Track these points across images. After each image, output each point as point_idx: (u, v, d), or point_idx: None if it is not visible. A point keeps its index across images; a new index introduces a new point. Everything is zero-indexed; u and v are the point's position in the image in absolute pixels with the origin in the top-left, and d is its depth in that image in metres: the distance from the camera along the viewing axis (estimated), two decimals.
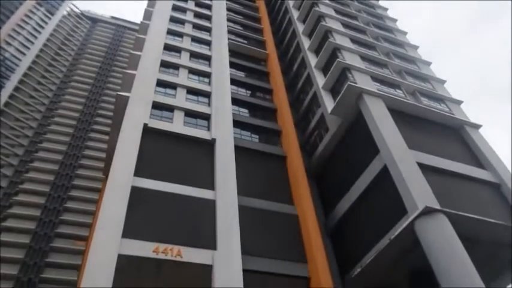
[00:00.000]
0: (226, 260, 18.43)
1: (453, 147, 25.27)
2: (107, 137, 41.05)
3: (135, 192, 19.63)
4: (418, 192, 19.42)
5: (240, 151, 24.88)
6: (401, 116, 25.31)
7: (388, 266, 20.52)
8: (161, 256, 17.92)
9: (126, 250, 17.39)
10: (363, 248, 22.04)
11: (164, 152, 23.04)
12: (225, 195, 21.36)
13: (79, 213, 58.36)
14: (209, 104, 27.98)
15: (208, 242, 19.14)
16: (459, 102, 29.95)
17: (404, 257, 20.09)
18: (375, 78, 28.61)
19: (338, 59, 28.72)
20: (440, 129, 26.43)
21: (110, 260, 16.60)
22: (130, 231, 18.09)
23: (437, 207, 18.63)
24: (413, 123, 25.55)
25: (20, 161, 63.93)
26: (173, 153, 23.16)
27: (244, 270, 18.35)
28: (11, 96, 69.34)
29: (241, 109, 30.70)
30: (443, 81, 32.52)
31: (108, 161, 26.25)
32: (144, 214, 19.22)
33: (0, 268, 49.71)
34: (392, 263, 20.44)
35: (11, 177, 61.40)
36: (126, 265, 17.35)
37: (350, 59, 29.52)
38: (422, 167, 21.28)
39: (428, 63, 34.64)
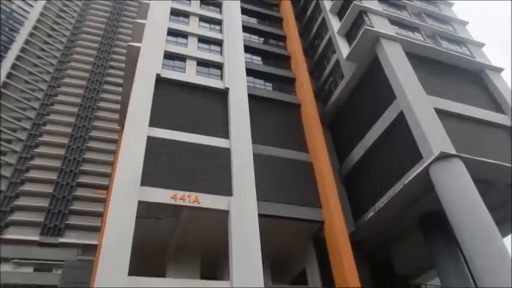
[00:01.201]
0: (242, 206, 18.99)
1: (472, 92, 24.64)
2: (120, 89, 41.09)
3: (151, 142, 19.93)
4: (434, 138, 19.29)
5: (254, 99, 24.69)
6: (420, 60, 24.51)
7: (400, 209, 20.99)
8: (179, 202, 18.51)
9: (146, 197, 17.99)
10: (376, 193, 22.40)
11: (178, 102, 23.03)
12: (240, 143, 21.57)
13: (98, 164, 60.04)
14: (221, 53, 27.45)
15: (224, 188, 19.62)
16: (481, 45, 28.76)
17: (416, 202, 20.50)
18: (393, 21, 27.43)
19: (354, 2, 27.46)
20: (459, 73, 25.62)
21: (130, 207, 17.24)
22: (148, 179, 18.62)
23: (453, 152, 18.58)
24: (432, 68, 24.77)
25: (38, 114, 65.03)
26: (187, 103, 23.15)
27: (259, 215, 18.96)
28: (23, 50, 69.24)
29: (254, 57, 30.04)
30: (465, 23, 31.04)
31: (123, 112, 26.47)
32: (160, 163, 19.64)
33: (28, 216, 52.45)
34: (404, 207, 20.90)
35: (29, 131, 62.81)
36: (145, 211, 18.09)
37: (367, 1, 28.19)
38: (440, 112, 20.95)
39: (450, 4, 32.91)
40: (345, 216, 21.38)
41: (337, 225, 19.97)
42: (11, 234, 51.54)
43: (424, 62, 24.64)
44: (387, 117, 22.67)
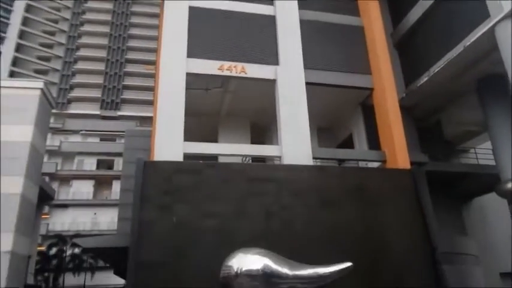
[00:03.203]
0: (289, 74, 18.80)
1: None
2: None
3: (194, 12, 19.23)
4: None
5: None
6: None
7: (457, 73, 19.94)
8: (226, 73, 18.59)
9: (193, 69, 18.15)
10: (432, 58, 21.08)
11: None
12: (285, 9, 20.34)
13: (144, 39, 60.32)
14: None
15: (271, 57, 19.25)
16: None
17: (475, 64, 19.24)
18: None
19: None
20: None
21: (179, 78, 17.62)
22: (194, 51, 18.49)
23: None
24: None
25: None
26: None
27: (307, 83, 18.82)
28: None
29: None
30: None
31: None
32: (205, 34, 19.21)
33: (87, 93, 55.89)
34: (461, 71, 19.78)
35: (72, 9, 62.68)
36: (194, 83, 18.50)
37: None
38: None
39: None
40: (396, 83, 20.67)
41: (388, 91, 19.50)
42: (74, 109, 55.96)
43: None
44: None
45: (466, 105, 22.26)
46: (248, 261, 10.76)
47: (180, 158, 16.28)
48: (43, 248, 43.03)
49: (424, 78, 20.90)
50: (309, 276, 11.24)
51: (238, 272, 10.40)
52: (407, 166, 17.82)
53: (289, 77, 18.75)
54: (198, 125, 21.34)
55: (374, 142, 20.07)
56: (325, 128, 24.05)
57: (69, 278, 41.54)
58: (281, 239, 14.15)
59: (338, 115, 23.09)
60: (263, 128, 23.22)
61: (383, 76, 19.81)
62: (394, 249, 15.52)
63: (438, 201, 20.97)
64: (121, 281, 27.24)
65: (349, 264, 11.61)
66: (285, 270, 10.80)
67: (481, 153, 24.87)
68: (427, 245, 15.90)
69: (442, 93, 21.49)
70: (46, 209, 44.62)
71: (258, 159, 19.11)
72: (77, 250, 40.90)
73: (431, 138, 23.98)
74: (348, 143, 22.59)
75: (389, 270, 14.99)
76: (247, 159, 19.42)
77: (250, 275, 10.39)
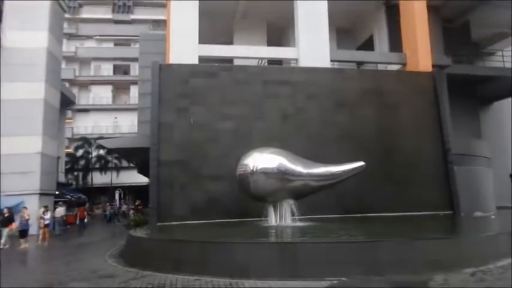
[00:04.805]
0: None
1: None
2: None
3: None
4: None
5: None
6: None
7: None
8: None
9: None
10: None
11: None
12: None
13: None
14: None
15: None
16: None
17: None
18: None
19: None
20: None
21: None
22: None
23: None
24: None
25: None
26: None
27: None
28: None
29: None
30: None
31: None
32: None
33: None
34: None
35: None
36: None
37: None
38: None
39: None
40: None
41: None
42: (86, 13, 54.32)
43: None
44: None
45: (498, 5, 20.67)
46: (264, 159, 11.24)
47: (196, 61, 16.11)
48: (70, 150, 45.50)
49: None
50: (322, 174, 11.76)
51: (254, 169, 10.93)
52: (429, 69, 17.27)
53: None
54: (213, 27, 20.61)
55: (396, 44, 19.25)
56: (345, 28, 22.97)
57: (97, 177, 44.53)
58: (296, 140, 14.53)
59: (359, 14, 21.85)
60: (280, 30, 22.32)
61: None
62: (407, 148, 15.84)
63: (457, 105, 20.69)
64: (144, 179, 29.05)
65: (361, 163, 12.02)
66: (299, 168, 11.29)
67: (508, 56, 23.72)
68: (440, 147, 16.15)
69: None
70: (69, 113, 46.08)
71: (274, 62, 18.73)
72: (102, 151, 43.10)
73: (458, 40, 22.80)
74: (368, 45, 21.74)
75: (401, 169, 15.48)
76: (263, 61, 19.06)
77: (266, 173, 10.94)
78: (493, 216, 14.55)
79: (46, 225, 16.45)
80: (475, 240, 8.23)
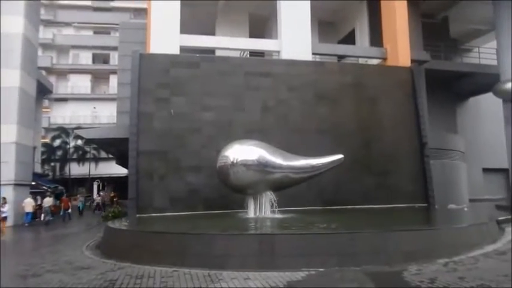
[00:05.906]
0: None
1: None
2: None
3: None
4: None
5: None
6: None
7: None
8: None
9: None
10: None
11: None
12: None
13: None
14: None
15: None
16: None
17: None
18: None
19: None
20: None
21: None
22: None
23: None
24: None
25: None
26: None
27: None
28: None
29: None
30: None
31: None
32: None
33: None
34: None
35: None
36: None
37: None
38: None
39: None
40: None
41: None
42: None
43: None
44: None
45: (477, 1, 21.11)
46: (244, 151, 11.25)
47: (177, 51, 15.92)
48: (47, 140, 44.43)
49: None
50: (301, 167, 11.87)
51: (235, 161, 10.93)
52: (408, 64, 17.55)
53: None
54: (195, 18, 20.35)
55: (376, 39, 19.44)
56: (327, 22, 23.05)
57: (75, 168, 43.68)
58: (277, 132, 14.60)
59: (342, 8, 21.95)
60: (263, 21, 22.23)
61: None
62: (385, 141, 16.13)
63: (435, 99, 21.17)
64: (123, 170, 28.68)
65: (340, 156, 12.18)
66: (278, 160, 11.35)
67: (484, 53, 24.31)
68: (417, 140, 16.50)
69: None
70: (46, 102, 44.87)
71: (256, 54, 18.67)
72: (80, 142, 42.27)
73: (437, 36, 23.20)
74: (350, 39, 21.88)
75: (379, 162, 15.77)
76: (245, 53, 18.97)
77: (246, 165, 10.94)
78: (465, 209, 14.98)
79: (4, 218, 16.07)
80: (448, 231, 8.46)
